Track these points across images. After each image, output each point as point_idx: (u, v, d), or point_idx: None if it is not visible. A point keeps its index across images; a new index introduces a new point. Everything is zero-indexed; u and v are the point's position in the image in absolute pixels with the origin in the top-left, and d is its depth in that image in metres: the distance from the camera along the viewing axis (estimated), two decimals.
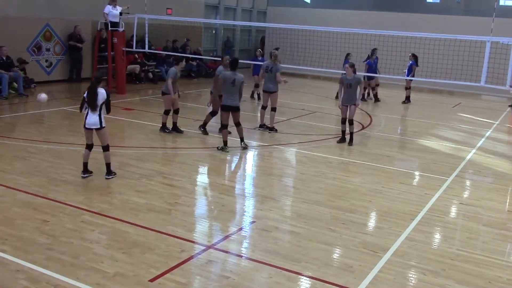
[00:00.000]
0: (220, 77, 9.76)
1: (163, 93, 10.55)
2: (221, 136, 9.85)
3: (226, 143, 9.68)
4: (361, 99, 16.64)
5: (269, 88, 11.44)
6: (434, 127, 13.70)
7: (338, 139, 10.86)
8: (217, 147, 9.75)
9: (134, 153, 9.30)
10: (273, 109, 11.45)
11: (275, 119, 11.64)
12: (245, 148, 9.86)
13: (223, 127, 9.72)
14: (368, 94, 17.64)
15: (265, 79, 11.57)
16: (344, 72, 10.99)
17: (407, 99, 17.50)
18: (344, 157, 9.87)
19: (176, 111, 10.73)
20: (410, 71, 16.96)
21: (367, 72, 16.36)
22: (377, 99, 17.24)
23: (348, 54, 16.80)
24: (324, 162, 9.31)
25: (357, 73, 10.63)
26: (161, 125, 10.83)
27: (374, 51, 17.08)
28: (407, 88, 17.49)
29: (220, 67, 10.51)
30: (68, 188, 7.17)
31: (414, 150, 11.15)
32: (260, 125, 11.79)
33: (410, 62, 16.99)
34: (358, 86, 10.55)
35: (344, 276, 5.12)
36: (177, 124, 10.81)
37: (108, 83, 15.80)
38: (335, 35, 17.77)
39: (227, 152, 9.63)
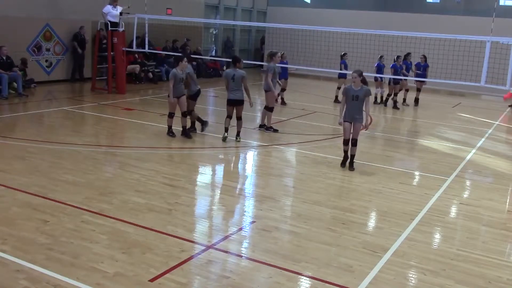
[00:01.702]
0: (223, 76, 10.42)
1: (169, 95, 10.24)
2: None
3: (227, 130, 10.39)
4: (394, 107, 16.20)
5: (263, 87, 11.73)
6: (434, 127, 13.70)
7: (340, 161, 9.07)
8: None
9: (134, 153, 9.30)
10: (269, 109, 11.50)
11: (273, 119, 11.69)
12: (238, 142, 10.27)
13: (227, 117, 10.38)
14: (404, 100, 17.12)
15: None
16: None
17: (416, 101, 17.17)
18: None
19: (184, 114, 10.35)
20: (425, 72, 16.70)
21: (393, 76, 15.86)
22: (395, 106, 16.44)
23: (381, 57, 16.39)
24: (324, 162, 9.30)
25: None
26: (180, 129, 10.46)
27: (407, 55, 16.60)
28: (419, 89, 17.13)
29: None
30: (68, 188, 7.17)
31: (414, 150, 11.16)
32: (260, 125, 11.82)
33: (424, 64, 16.67)
34: (366, 99, 8.69)
35: (344, 276, 5.12)
36: (186, 128, 10.44)
37: (108, 83, 15.85)
38: (335, 35, 17.77)
39: (225, 137, 10.32)
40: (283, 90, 15.54)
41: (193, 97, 10.65)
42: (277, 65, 11.89)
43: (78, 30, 16.90)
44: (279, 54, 11.85)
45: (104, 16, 15.34)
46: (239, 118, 10.33)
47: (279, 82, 12.01)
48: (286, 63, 15.55)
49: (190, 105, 10.62)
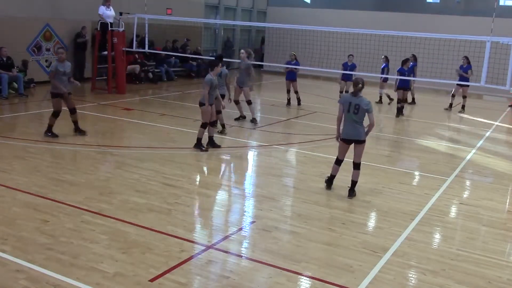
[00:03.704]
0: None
1: (201, 104, 9.44)
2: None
3: (224, 126, 11.09)
4: (398, 114, 14.63)
5: (240, 83, 12.24)
6: (434, 127, 13.70)
7: (325, 179, 7.87)
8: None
9: (134, 153, 9.30)
10: (248, 102, 12.19)
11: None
12: (221, 132, 10.81)
13: (217, 112, 10.41)
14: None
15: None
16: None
17: (463, 107, 16.27)
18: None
19: (212, 124, 9.72)
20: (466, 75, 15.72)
21: (400, 81, 14.68)
22: (399, 112, 14.87)
23: (409, 59, 15.02)
24: (324, 162, 9.30)
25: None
26: (195, 142, 9.62)
27: (406, 61, 15.05)
28: (464, 96, 16.24)
29: None
30: (68, 188, 7.17)
31: (414, 150, 11.15)
32: (240, 116, 12.54)
33: (466, 66, 15.72)
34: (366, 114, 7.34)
35: (344, 276, 5.12)
36: (213, 138, 9.82)
37: (108, 83, 15.86)
38: (335, 35, 17.77)
39: (219, 131, 10.88)
40: (288, 91, 15.51)
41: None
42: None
43: (80, 30, 16.93)
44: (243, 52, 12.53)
45: (101, 17, 15.37)
46: (218, 112, 10.27)
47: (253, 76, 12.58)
48: (296, 64, 15.30)
49: (71, 103, 10.00)
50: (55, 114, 9.78)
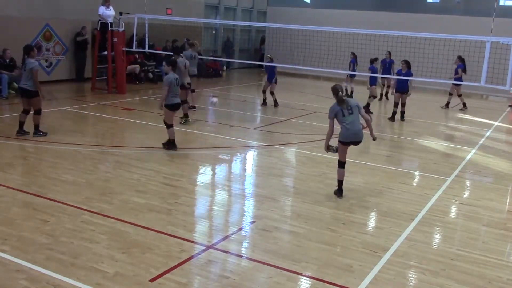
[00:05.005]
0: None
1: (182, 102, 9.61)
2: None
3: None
4: (401, 119, 13.97)
5: (194, 72, 12.94)
6: (434, 127, 13.69)
7: (335, 189, 7.58)
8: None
9: (134, 153, 9.30)
10: (192, 90, 12.83)
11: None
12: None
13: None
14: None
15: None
16: None
17: (464, 105, 16.70)
18: None
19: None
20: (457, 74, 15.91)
21: (398, 85, 13.98)
22: (402, 117, 14.19)
23: (408, 61, 13.97)
24: (324, 162, 9.30)
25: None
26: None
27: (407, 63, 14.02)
28: (459, 95, 16.53)
29: None
30: (68, 188, 7.17)
31: (414, 150, 11.15)
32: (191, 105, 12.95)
33: (458, 65, 15.97)
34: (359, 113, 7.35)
35: (344, 276, 5.12)
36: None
37: (108, 83, 15.86)
38: (335, 35, 17.77)
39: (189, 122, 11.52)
40: (264, 92, 15.11)
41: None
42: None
43: (80, 30, 16.94)
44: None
45: (101, 17, 15.39)
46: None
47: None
48: (271, 64, 14.82)
49: (37, 103, 9.68)
50: (40, 112, 9.76)
